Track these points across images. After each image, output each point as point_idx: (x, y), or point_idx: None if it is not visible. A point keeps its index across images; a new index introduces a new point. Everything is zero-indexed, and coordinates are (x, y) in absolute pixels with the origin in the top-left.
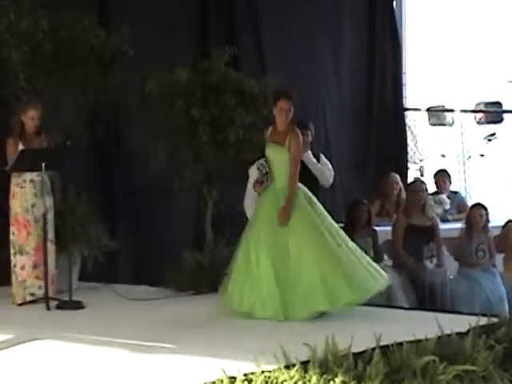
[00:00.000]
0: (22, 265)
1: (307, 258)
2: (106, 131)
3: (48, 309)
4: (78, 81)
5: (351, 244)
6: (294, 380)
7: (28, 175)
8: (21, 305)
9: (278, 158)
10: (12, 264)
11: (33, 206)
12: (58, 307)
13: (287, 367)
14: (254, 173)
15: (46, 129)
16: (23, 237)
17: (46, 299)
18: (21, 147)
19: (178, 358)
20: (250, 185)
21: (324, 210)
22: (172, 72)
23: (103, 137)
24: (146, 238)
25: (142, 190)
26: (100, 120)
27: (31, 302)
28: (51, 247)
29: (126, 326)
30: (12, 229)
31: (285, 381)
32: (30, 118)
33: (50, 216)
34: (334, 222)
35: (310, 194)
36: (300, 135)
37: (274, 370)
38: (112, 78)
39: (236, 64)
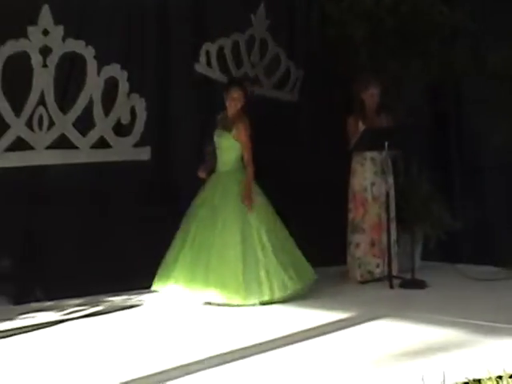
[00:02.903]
0: (358, 243)
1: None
2: (447, 107)
3: (391, 287)
4: (419, 57)
5: None
6: None
7: (368, 153)
8: (364, 283)
9: (221, 142)
10: (348, 242)
11: (372, 184)
12: (401, 286)
13: None
14: None
15: (388, 106)
16: (360, 215)
17: (389, 278)
18: (361, 125)
19: None
20: None
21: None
22: None
23: (444, 113)
24: (488, 216)
25: (482, 168)
26: (441, 96)
27: (374, 280)
28: (392, 226)
29: (468, 306)
30: (349, 206)
31: None
32: (370, 95)
33: (391, 195)
34: None
35: None
36: (247, 122)
37: None
38: (453, 54)
39: None
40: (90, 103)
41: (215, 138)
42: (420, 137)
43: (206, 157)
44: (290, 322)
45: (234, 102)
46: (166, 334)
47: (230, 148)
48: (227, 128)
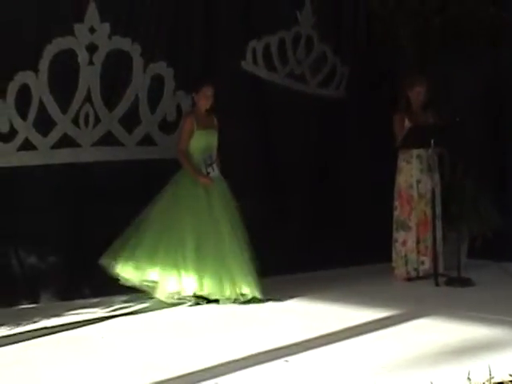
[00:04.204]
0: (404, 240)
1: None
2: (496, 106)
3: (437, 285)
4: (465, 56)
5: None
6: None
7: (415, 151)
8: (409, 280)
9: (214, 141)
10: (393, 239)
11: (418, 181)
12: (447, 283)
13: None
14: None
15: (434, 104)
16: (406, 212)
17: (435, 275)
18: (407, 123)
19: None
20: None
21: None
22: None
23: (495, 111)
24: None
25: None
26: (489, 94)
27: (419, 277)
28: (438, 223)
29: None
30: (395, 204)
31: None
32: (416, 93)
33: (437, 192)
34: None
35: None
36: None
37: None
38: (500, 53)
39: None
40: (136, 100)
41: (204, 139)
42: (470, 133)
43: (207, 169)
44: (335, 319)
45: (209, 99)
46: (209, 333)
47: (216, 144)
48: (213, 126)
